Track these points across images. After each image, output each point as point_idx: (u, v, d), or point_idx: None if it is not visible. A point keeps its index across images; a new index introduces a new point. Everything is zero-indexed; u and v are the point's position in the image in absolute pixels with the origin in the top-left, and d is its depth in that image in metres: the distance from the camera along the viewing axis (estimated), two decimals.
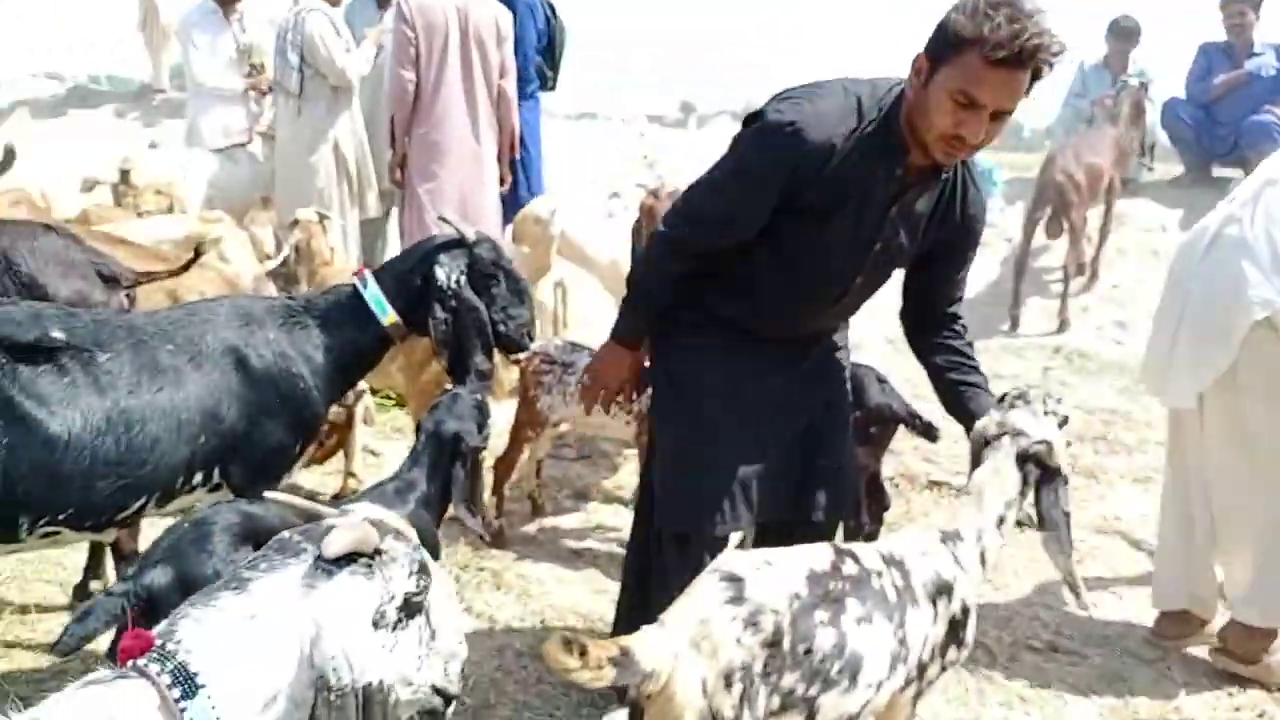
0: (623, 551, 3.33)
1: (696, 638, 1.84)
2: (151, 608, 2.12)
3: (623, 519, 3.99)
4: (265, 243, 5.50)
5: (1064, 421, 2.44)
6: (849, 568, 2.08)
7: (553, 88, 6.38)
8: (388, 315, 2.79)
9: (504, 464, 3.90)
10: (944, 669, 2.23)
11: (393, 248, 6.14)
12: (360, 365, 2.87)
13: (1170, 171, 8.19)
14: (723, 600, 1.89)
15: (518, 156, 5.71)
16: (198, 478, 2.57)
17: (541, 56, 6.09)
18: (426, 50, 5.21)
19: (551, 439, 4.21)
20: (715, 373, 2.56)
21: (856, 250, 2.41)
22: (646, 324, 2.61)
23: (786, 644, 1.90)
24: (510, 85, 5.48)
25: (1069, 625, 3.59)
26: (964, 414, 2.52)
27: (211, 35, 6.45)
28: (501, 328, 2.92)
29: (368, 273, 2.84)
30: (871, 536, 3.54)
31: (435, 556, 1.58)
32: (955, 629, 2.21)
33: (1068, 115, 8.19)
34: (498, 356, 2.99)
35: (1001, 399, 2.44)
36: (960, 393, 2.55)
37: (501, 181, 5.57)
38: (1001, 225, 7.48)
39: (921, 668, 2.17)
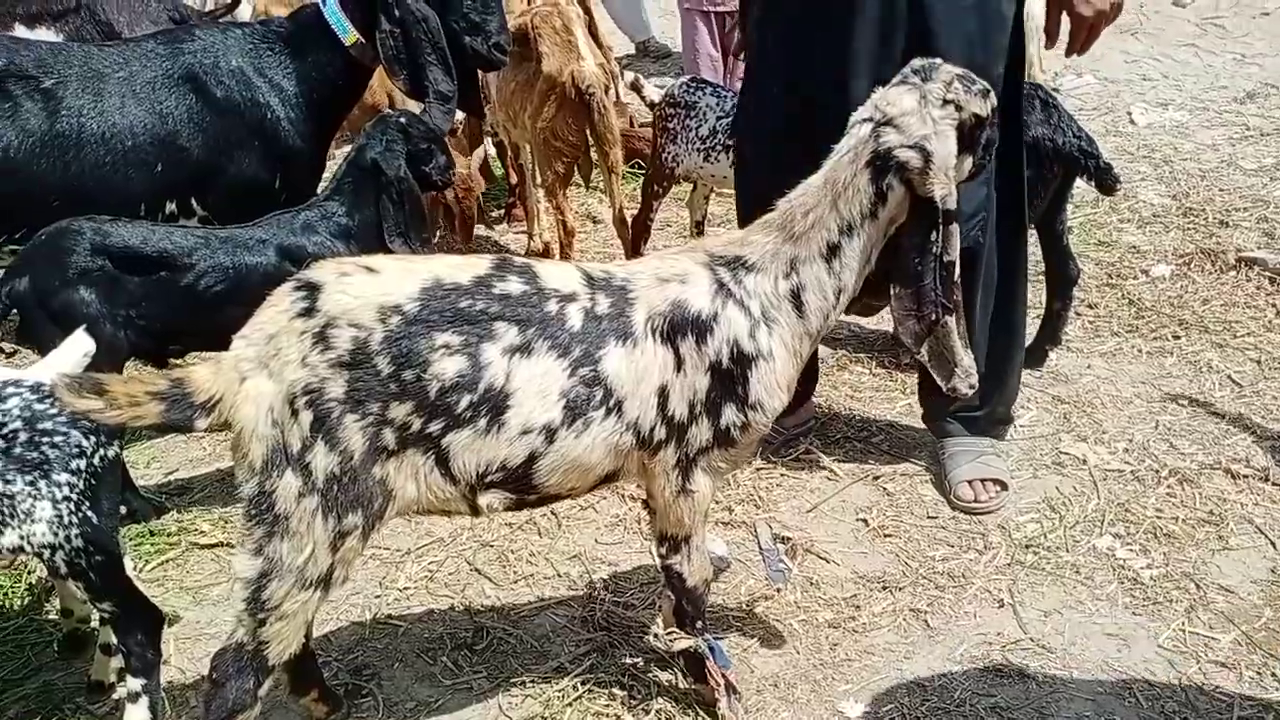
0: None
1: (264, 357, 1.52)
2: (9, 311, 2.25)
3: None
4: None
5: (974, 122, 1.62)
6: (508, 285, 1.60)
7: None
8: (349, 34, 2.56)
9: (637, 224, 3.54)
10: (725, 435, 1.67)
11: None
12: (335, 95, 2.68)
13: None
14: (294, 313, 1.53)
15: None
16: (170, 207, 2.60)
17: None
18: None
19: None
20: None
21: None
22: None
23: (382, 368, 1.52)
24: None
25: None
26: None
27: None
28: (467, 39, 2.59)
29: None
30: None
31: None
32: (726, 381, 1.64)
33: None
34: None
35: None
36: None
37: None
38: None
39: (676, 427, 1.65)
